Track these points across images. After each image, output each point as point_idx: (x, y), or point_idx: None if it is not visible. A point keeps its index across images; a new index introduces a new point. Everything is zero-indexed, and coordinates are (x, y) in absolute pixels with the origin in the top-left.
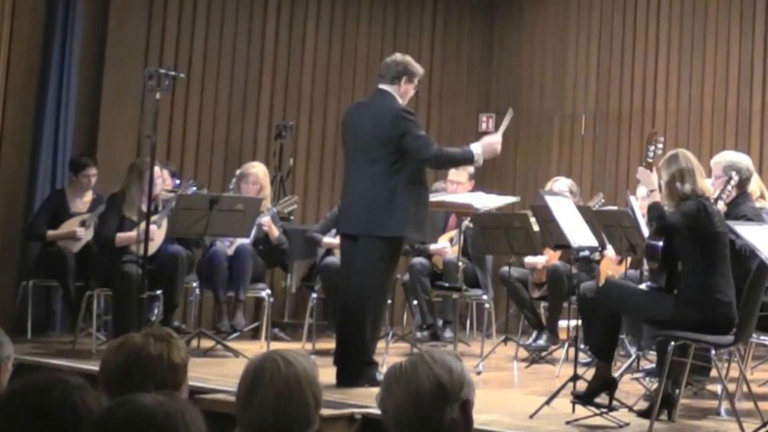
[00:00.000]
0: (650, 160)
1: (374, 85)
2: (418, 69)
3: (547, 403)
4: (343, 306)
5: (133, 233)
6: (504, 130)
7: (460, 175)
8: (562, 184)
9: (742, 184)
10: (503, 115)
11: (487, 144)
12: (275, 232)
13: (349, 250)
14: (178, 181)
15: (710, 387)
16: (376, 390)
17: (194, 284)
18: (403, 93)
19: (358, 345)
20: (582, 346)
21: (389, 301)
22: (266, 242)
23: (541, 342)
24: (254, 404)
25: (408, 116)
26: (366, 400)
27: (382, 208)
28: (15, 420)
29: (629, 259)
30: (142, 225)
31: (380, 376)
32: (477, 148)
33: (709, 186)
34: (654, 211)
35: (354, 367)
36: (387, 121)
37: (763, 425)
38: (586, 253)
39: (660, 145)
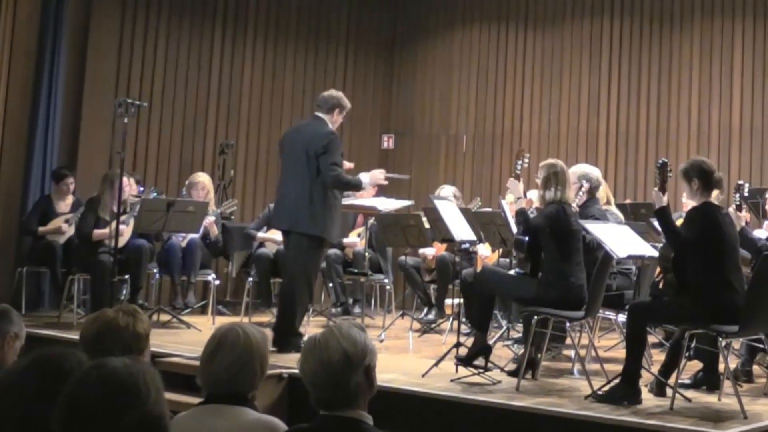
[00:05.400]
0: (518, 172)
1: (311, 112)
2: (348, 103)
3: (436, 365)
4: (281, 288)
5: (106, 230)
6: (391, 176)
7: None
8: (447, 190)
9: (592, 190)
10: (402, 134)
11: (374, 176)
12: (215, 231)
13: (286, 242)
14: (142, 188)
15: (566, 352)
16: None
17: (155, 270)
18: (334, 121)
19: (288, 319)
20: (463, 320)
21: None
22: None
23: (431, 316)
24: (214, 364)
25: (334, 139)
26: (292, 363)
27: (304, 209)
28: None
29: (501, 250)
30: (114, 223)
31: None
32: (365, 177)
33: (572, 195)
34: (520, 215)
35: (284, 337)
36: (318, 139)
37: (608, 382)
38: (467, 245)
39: (526, 160)
